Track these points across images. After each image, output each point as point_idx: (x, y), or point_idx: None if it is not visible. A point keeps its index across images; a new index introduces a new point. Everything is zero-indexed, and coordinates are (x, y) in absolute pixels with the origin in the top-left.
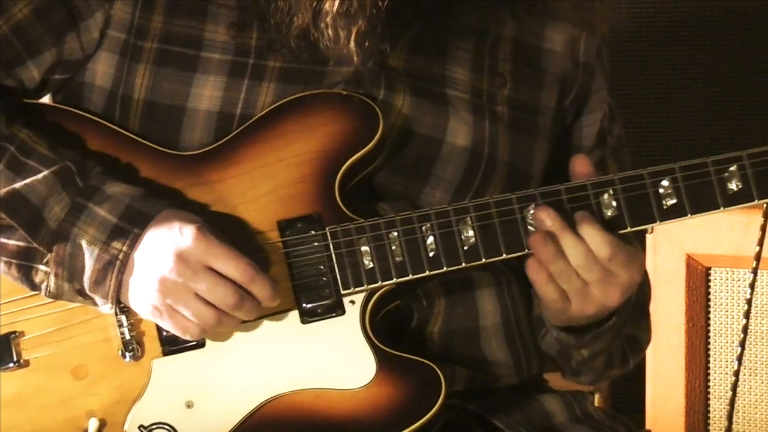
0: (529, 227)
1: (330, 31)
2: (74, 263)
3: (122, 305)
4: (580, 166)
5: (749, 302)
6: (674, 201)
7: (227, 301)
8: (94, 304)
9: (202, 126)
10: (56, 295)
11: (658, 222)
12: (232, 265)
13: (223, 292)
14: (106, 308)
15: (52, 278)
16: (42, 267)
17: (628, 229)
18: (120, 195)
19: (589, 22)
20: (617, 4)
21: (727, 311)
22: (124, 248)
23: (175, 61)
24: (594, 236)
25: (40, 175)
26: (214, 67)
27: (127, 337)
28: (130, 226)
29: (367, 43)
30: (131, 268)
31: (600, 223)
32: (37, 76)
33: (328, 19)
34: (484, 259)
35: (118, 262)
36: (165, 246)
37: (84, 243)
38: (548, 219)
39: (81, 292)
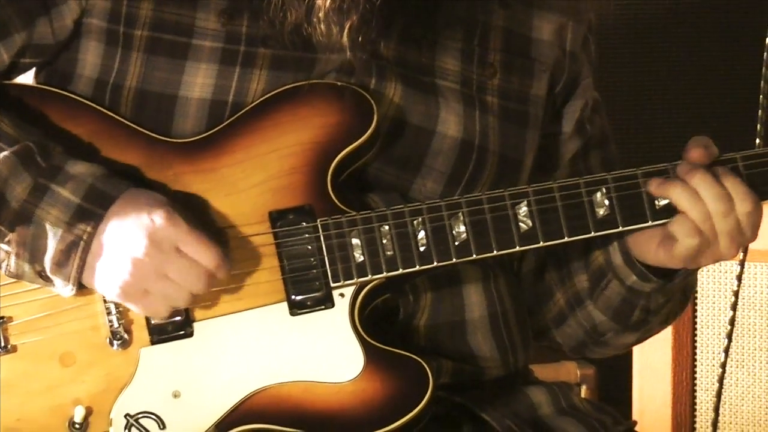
0: (520, 224)
1: (323, 26)
2: (37, 244)
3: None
4: (695, 154)
5: (736, 294)
6: (667, 201)
7: (197, 284)
8: (53, 286)
9: (195, 114)
10: (16, 276)
11: (650, 222)
12: (202, 251)
13: (195, 275)
14: (66, 291)
15: (12, 258)
16: (3, 246)
17: (620, 229)
18: (83, 175)
19: (575, 10)
20: None
21: (714, 303)
22: (89, 229)
23: (166, 49)
24: (737, 185)
25: (0, 155)
26: (205, 55)
27: (116, 325)
28: (94, 207)
29: (359, 36)
30: (97, 250)
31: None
32: (6, 59)
33: (321, 14)
34: (475, 255)
35: (82, 243)
36: (135, 228)
37: (48, 224)
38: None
39: (41, 274)
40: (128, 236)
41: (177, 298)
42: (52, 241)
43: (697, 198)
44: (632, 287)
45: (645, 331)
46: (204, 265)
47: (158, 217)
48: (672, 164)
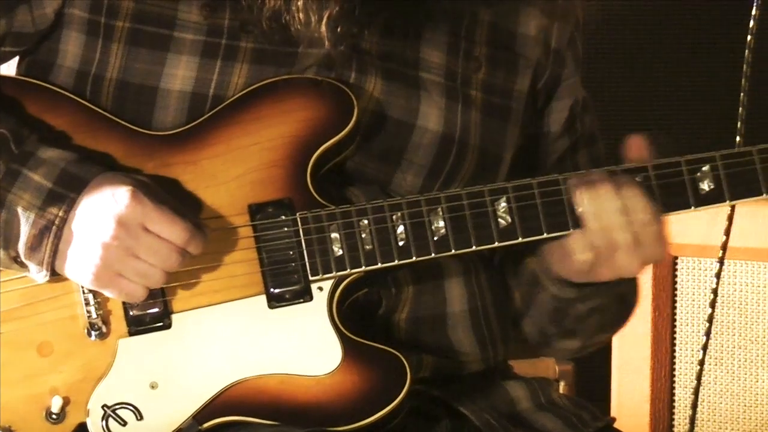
0: (499, 220)
1: (301, 15)
2: (9, 229)
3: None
4: (636, 150)
5: (715, 292)
6: None
7: (168, 261)
8: (28, 271)
9: (175, 106)
10: None
11: None
12: (168, 228)
13: (166, 253)
14: (41, 276)
15: None
16: None
17: None
18: (54, 159)
19: (562, 8)
20: None
21: (693, 301)
22: (60, 213)
23: (148, 41)
24: (635, 197)
25: None
26: (186, 48)
27: (94, 315)
28: (66, 191)
29: (339, 28)
30: (68, 236)
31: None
32: None
33: (299, 2)
34: (453, 250)
35: (54, 227)
36: (102, 212)
37: (20, 209)
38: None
39: (16, 260)
40: (95, 221)
41: (150, 277)
42: (25, 226)
43: (598, 213)
44: (556, 295)
45: (585, 338)
46: (173, 240)
47: (122, 198)
48: (651, 162)
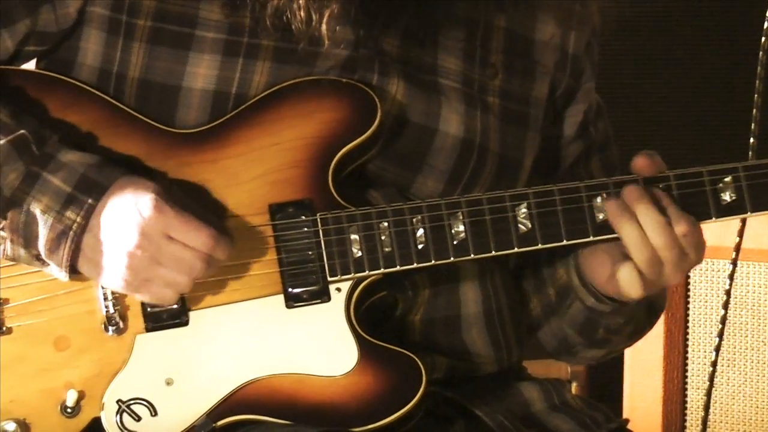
0: (519, 225)
1: (302, 13)
2: (29, 231)
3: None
4: (641, 165)
5: (728, 293)
6: None
7: (194, 268)
8: (50, 268)
9: (198, 105)
10: (13, 259)
11: None
12: (193, 236)
13: (191, 261)
14: (62, 275)
15: (8, 243)
16: None
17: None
18: (75, 164)
19: (579, 14)
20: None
21: (706, 302)
22: (78, 219)
23: (170, 40)
24: (672, 210)
25: None
26: (208, 46)
27: (111, 311)
28: (85, 196)
29: (337, 27)
30: (93, 244)
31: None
32: (10, 46)
33: (301, 1)
34: (473, 255)
35: (71, 233)
36: (125, 220)
37: (38, 212)
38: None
39: (38, 258)
40: (118, 230)
41: (178, 284)
42: (43, 229)
43: (645, 241)
44: (592, 308)
45: (612, 347)
46: (197, 248)
47: (144, 207)
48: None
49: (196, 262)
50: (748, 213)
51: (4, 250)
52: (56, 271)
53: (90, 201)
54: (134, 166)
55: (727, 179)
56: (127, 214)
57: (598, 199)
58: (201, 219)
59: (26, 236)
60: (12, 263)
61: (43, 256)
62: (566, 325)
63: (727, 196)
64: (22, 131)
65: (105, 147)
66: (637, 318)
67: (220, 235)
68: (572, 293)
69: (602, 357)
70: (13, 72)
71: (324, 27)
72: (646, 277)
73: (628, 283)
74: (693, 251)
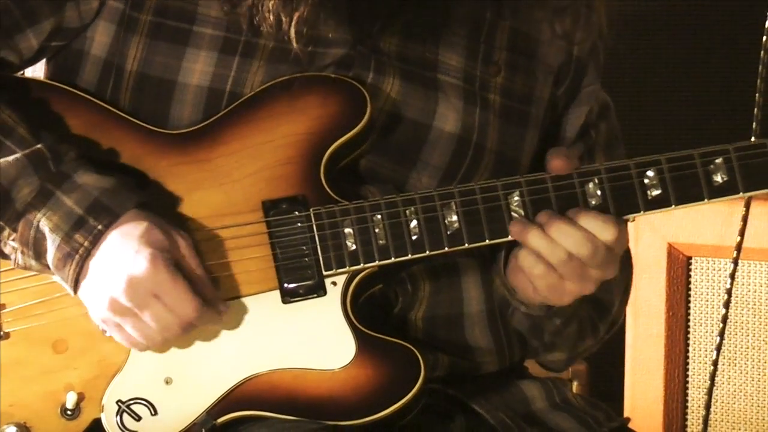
0: (513, 213)
1: (271, 16)
2: (38, 246)
3: None
4: (556, 163)
5: (729, 292)
6: (659, 192)
7: (170, 331)
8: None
9: (192, 101)
10: (25, 268)
11: (642, 212)
12: (178, 304)
13: (168, 324)
14: (71, 290)
15: (19, 254)
16: (10, 242)
17: None
18: (89, 187)
19: (585, 16)
20: None
21: (707, 301)
22: (86, 243)
23: (168, 35)
24: (595, 220)
25: (11, 157)
26: (206, 42)
27: None
28: (95, 222)
29: (305, 30)
30: (87, 271)
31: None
32: (35, 45)
33: (270, 3)
34: (467, 244)
35: (77, 256)
36: (120, 265)
37: (47, 230)
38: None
39: (49, 268)
40: (109, 272)
41: (148, 338)
42: (51, 247)
43: (555, 245)
44: (528, 314)
45: (569, 349)
46: (179, 315)
47: (142, 261)
48: (664, 155)
49: (174, 326)
50: (741, 193)
51: (15, 259)
52: (65, 284)
53: (100, 227)
54: (127, 169)
55: (718, 161)
56: (123, 260)
57: (590, 185)
58: (199, 283)
59: (36, 249)
60: (9, 268)
61: (53, 269)
62: (522, 330)
63: (719, 177)
64: (39, 146)
65: (98, 150)
66: (579, 317)
67: (205, 308)
68: (509, 303)
69: (569, 360)
70: (4, 79)
71: (293, 30)
72: (557, 272)
73: (539, 284)
74: (600, 266)
